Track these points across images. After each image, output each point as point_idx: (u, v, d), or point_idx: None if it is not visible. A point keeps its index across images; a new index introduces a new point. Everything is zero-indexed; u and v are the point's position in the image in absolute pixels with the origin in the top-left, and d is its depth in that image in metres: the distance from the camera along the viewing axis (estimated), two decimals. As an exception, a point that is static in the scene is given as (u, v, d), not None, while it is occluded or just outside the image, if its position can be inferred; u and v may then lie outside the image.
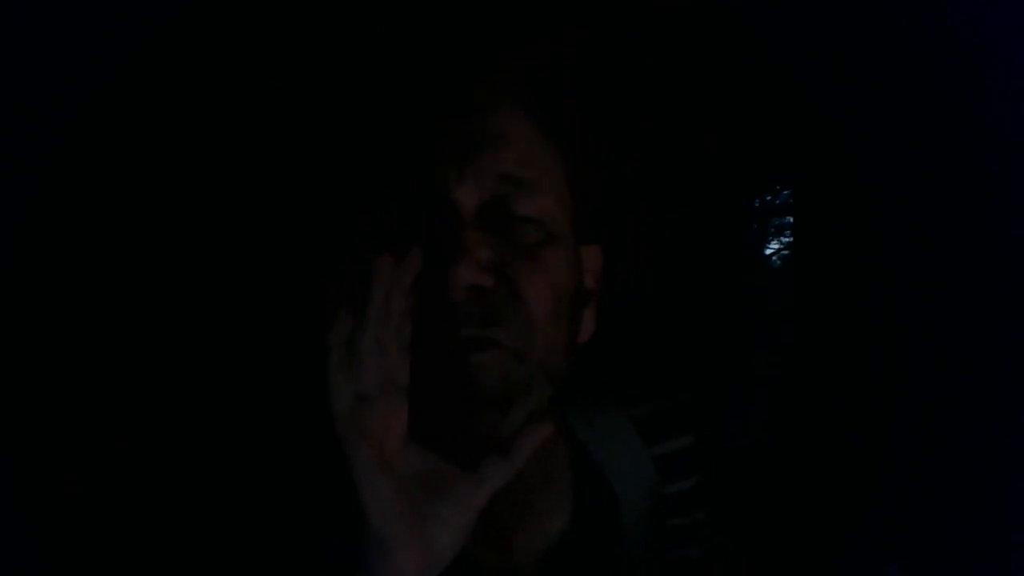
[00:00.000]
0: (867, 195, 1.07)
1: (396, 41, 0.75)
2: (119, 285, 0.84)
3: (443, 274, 0.42)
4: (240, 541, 0.56)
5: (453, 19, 0.70)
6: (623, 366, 1.06)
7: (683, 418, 0.68)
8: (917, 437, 0.98)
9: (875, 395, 1.07)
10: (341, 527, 0.40)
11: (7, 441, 0.76)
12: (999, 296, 0.87)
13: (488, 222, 0.47)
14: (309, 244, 0.80)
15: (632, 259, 1.17)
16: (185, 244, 0.86)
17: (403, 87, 0.55)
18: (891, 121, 0.98)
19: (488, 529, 0.43)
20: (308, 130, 0.82)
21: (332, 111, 0.79)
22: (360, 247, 0.47)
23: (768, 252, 1.42)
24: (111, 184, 0.83)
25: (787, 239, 1.39)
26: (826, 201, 1.22)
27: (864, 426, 1.08)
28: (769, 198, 1.42)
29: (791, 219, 1.36)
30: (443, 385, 0.42)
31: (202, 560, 0.66)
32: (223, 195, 0.86)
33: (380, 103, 0.59)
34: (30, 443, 0.77)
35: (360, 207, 0.51)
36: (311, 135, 0.82)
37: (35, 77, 0.74)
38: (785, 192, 1.39)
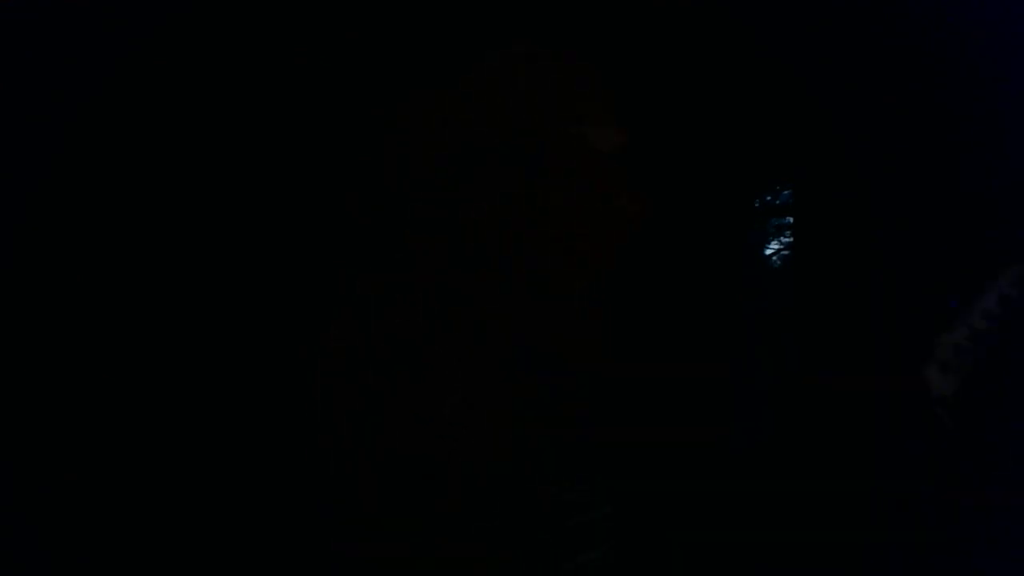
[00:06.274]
0: (867, 195, 1.07)
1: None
2: (119, 285, 0.84)
3: None
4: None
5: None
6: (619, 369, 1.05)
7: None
8: (915, 438, 0.98)
9: (874, 395, 1.07)
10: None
11: (7, 441, 0.76)
12: (999, 296, 0.87)
13: None
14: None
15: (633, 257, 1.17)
16: (180, 248, 0.85)
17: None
18: (891, 122, 0.98)
19: None
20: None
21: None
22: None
23: (768, 252, 1.42)
24: (109, 184, 0.83)
25: (787, 239, 1.39)
26: (826, 201, 1.22)
27: (862, 426, 1.08)
28: (769, 198, 1.42)
29: (791, 219, 1.37)
30: None
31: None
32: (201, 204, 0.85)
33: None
34: (30, 443, 0.77)
35: None
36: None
37: (35, 77, 0.74)
38: (785, 192, 1.39)
